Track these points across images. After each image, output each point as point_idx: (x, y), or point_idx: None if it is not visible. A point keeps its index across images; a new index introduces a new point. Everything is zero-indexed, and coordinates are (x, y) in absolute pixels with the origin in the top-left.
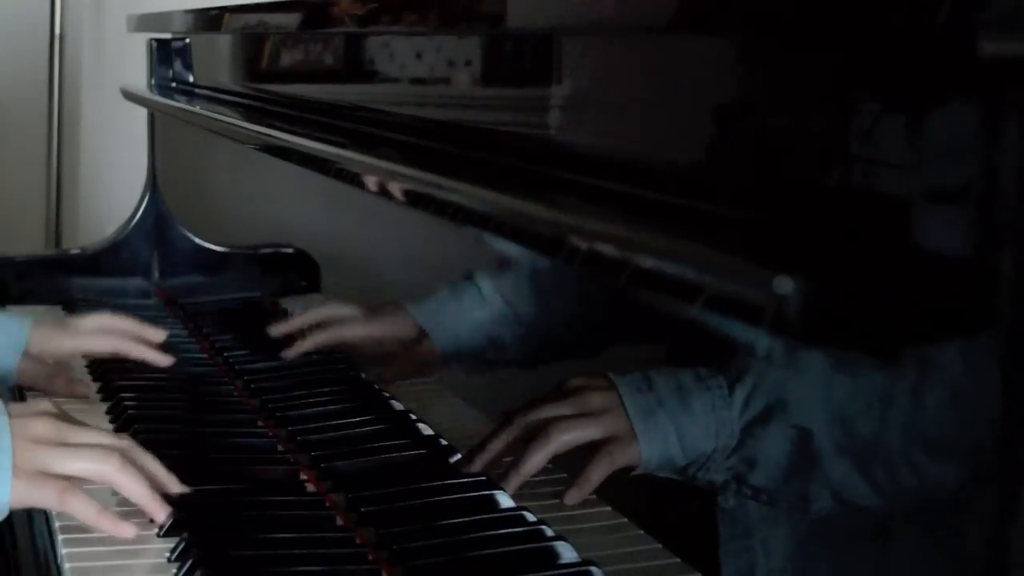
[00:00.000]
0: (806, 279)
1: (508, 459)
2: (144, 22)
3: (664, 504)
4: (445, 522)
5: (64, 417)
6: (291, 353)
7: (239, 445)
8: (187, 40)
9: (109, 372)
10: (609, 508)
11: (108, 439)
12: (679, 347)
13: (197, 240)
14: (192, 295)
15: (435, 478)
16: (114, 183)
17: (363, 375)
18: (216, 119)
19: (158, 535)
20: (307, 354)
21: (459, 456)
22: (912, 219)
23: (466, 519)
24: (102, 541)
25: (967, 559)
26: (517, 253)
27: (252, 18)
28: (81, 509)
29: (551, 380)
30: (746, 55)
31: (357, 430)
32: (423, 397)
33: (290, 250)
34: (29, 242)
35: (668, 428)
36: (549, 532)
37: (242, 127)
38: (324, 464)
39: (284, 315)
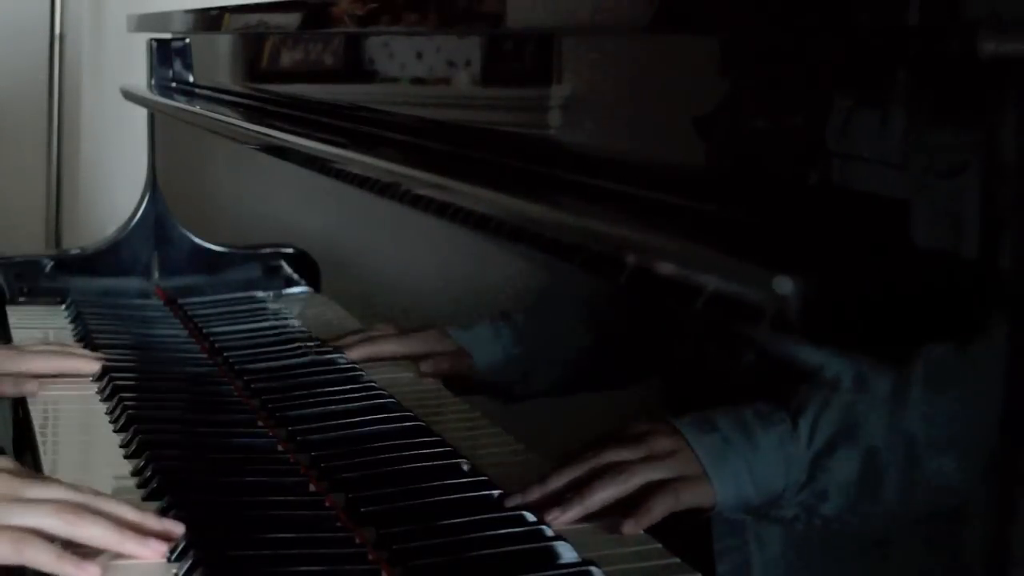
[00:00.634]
0: (806, 279)
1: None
2: (144, 22)
3: None
4: (445, 522)
5: (20, 472)
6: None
7: (239, 445)
8: (187, 40)
9: (109, 372)
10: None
11: (64, 493)
12: (733, 381)
13: (197, 240)
14: (192, 295)
15: (435, 478)
16: (114, 183)
17: (363, 375)
18: (216, 119)
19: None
20: (307, 355)
21: (503, 492)
22: (912, 219)
23: (466, 519)
24: None
25: (967, 559)
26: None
27: (252, 18)
28: (39, 557)
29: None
30: (746, 55)
31: (357, 430)
32: (424, 398)
33: (290, 250)
34: (29, 242)
35: (740, 467)
36: (549, 532)
37: (242, 127)
38: (324, 464)
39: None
